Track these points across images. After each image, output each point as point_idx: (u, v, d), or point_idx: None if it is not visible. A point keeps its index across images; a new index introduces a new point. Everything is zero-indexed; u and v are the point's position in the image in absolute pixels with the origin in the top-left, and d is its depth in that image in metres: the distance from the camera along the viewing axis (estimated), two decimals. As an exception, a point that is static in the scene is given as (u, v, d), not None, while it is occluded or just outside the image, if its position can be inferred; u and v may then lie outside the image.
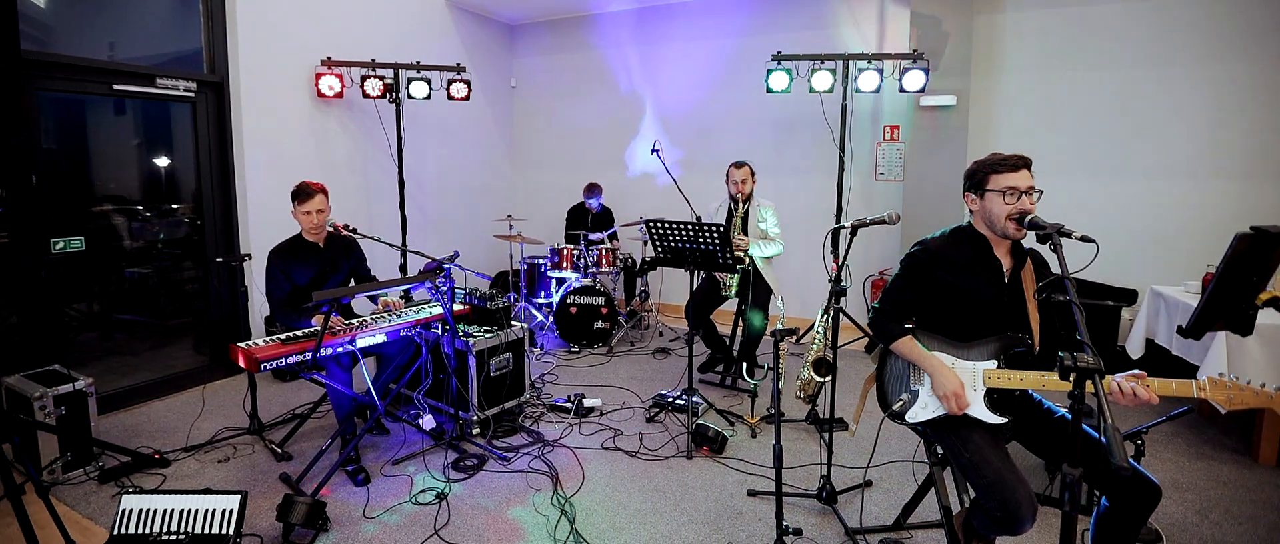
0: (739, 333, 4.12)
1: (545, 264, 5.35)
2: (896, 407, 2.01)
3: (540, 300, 5.46)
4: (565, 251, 5.16)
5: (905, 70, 4.45)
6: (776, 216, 4.11)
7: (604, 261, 5.16)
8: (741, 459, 3.19)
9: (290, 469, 3.02)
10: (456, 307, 3.50)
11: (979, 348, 1.93)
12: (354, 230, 3.38)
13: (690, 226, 3.27)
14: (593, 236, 5.24)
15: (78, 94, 3.74)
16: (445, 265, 3.12)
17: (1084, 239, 1.66)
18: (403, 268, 5.12)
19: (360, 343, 2.87)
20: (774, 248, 4.02)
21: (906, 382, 2.02)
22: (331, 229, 3.26)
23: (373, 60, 4.83)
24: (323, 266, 3.22)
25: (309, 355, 2.63)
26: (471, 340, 3.35)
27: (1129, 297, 4.48)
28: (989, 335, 1.92)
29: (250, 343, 2.73)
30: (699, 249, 3.31)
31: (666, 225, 3.33)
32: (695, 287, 3.48)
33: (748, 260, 3.92)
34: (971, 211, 2.00)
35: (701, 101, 5.96)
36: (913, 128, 4.84)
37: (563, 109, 6.71)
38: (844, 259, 2.58)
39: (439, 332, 3.18)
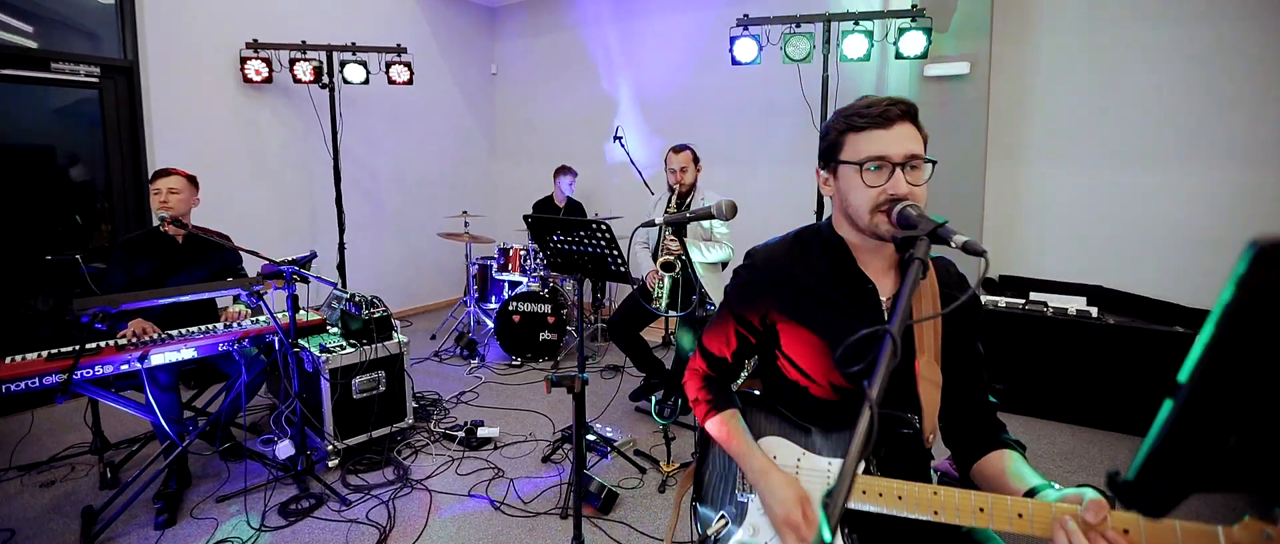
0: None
1: (494, 264, 4.80)
2: (712, 530, 1.27)
3: (491, 306, 4.92)
4: (513, 252, 4.59)
5: (902, 31, 3.57)
6: (725, 213, 3.36)
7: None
8: (628, 524, 2.50)
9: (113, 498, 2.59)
10: (310, 317, 2.99)
11: (837, 435, 1.17)
12: (224, 237, 2.94)
13: (574, 225, 2.60)
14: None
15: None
16: (287, 268, 2.61)
17: (969, 248, 0.89)
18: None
19: (159, 359, 2.39)
20: (719, 252, 3.28)
21: (730, 488, 1.28)
22: (196, 229, 2.82)
23: (303, 42, 4.43)
24: (169, 263, 2.79)
25: (67, 376, 2.16)
26: (324, 357, 2.82)
27: (1204, 321, 3.39)
28: (855, 411, 1.16)
29: (12, 358, 2.29)
30: (587, 252, 2.63)
31: (548, 223, 2.68)
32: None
33: (679, 266, 3.20)
34: (830, 199, 1.24)
35: (683, 85, 5.22)
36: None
37: (545, 96, 6.14)
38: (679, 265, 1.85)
39: (279, 345, 2.67)
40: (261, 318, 2.75)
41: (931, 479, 1.27)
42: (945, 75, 3.74)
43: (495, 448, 3.14)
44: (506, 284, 4.74)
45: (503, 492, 2.72)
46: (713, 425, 1.28)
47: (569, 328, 4.57)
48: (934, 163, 1.13)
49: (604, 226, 2.52)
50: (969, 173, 3.80)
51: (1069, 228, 3.81)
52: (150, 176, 2.75)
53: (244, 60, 4.32)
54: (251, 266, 2.80)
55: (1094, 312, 3.45)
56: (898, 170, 1.07)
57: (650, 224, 1.44)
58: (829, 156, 1.17)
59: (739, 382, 1.42)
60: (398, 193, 5.63)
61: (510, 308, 4.38)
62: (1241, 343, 0.48)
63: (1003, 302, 3.67)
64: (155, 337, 2.47)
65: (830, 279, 1.20)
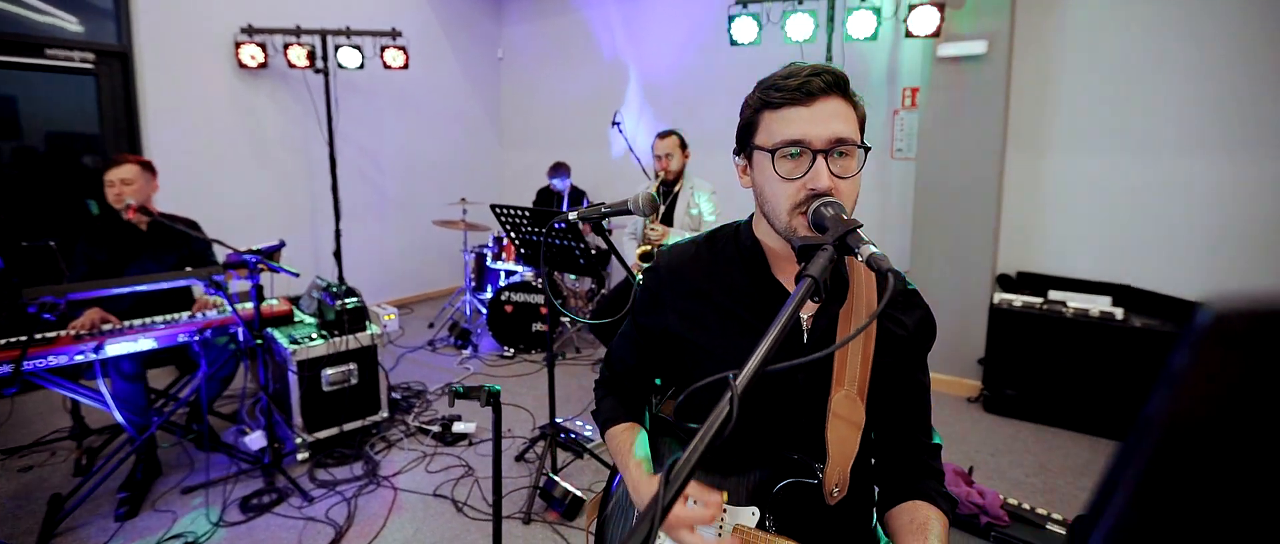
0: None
1: (489, 253, 4.70)
2: None
3: (487, 295, 4.83)
4: (507, 241, 4.48)
5: (912, 6, 3.31)
6: (715, 203, 3.18)
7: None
8: (593, 532, 2.37)
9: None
10: (278, 306, 2.93)
11: (737, 478, 0.99)
12: (191, 224, 2.89)
13: (538, 214, 2.47)
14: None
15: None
16: (250, 257, 2.55)
17: (875, 263, 0.72)
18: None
19: (116, 350, 2.35)
20: (705, 244, 3.10)
21: (628, 520, 1.12)
22: (160, 217, 2.77)
23: (297, 26, 4.37)
24: (130, 251, 2.75)
25: (16, 366, 2.13)
26: (292, 349, 2.76)
27: (1244, 325, 3.08)
28: (763, 449, 0.98)
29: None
30: (552, 244, 2.50)
31: (514, 213, 2.55)
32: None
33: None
34: (750, 190, 1.05)
35: (686, 69, 5.00)
36: (929, 88, 3.64)
37: (551, 81, 6.00)
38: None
39: (244, 335, 2.62)
40: (226, 308, 2.70)
41: (872, 539, 1.08)
42: (961, 56, 3.45)
43: (470, 444, 3.05)
44: (502, 273, 4.65)
45: (468, 492, 2.63)
46: (609, 439, 1.13)
47: (563, 319, 4.46)
48: (867, 149, 0.92)
49: (564, 218, 2.37)
50: (985, 163, 3.52)
51: (1095, 223, 3.50)
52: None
53: (239, 45, 4.28)
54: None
55: (1119, 313, 3.16)
56: (820, 158, 0.87)
57: (563, 219, 1.29)
58: (744, 139, 0.98)
59: (657, 405, 1.27)
60: (402, 179, 5.58)
61: (502, 298, 4.29)
62: (1193, 462, 0.24)
63: (1019, 300, 3.40)
64: (114, 326, 2.44)
65: (741, 290, 1.02)
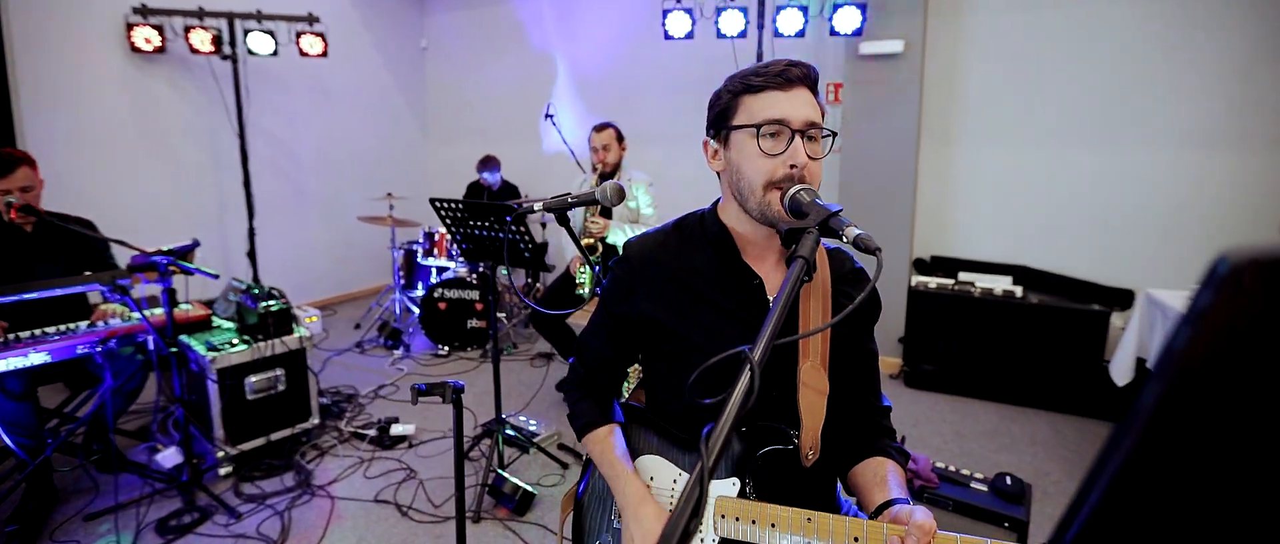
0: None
1: (419, 249, 4.54)
2: None
3: (418, 293, 4.67)
4: (439, 236, 4.35)
5: (836, 6, 3.47)
6: (652, 196, 3.23)
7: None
8: (543, 525, 2.37)
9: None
10: (192, 311, 2.72)
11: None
12: (86, 224, 2.61)
13: (481, 208, 2.42)
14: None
15: None
16: (160, 259, 2.35)
17: (861, 243, 0.78)
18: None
19: (3, 365, 2.11)
20: (646, 235, 3.15)
21: (607, 514, 1.14)
22: (49, 216, 2.48)
23: (200, 8, 4.04)
24: (13, 257, 2.46)
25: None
26: (211, 356, 2.57)
27: (1122, 299, 3.47)
28: (741, 422, 1.04)
29: None
30: (498, 240, 2.46)
31: (455, 206, 2.49)
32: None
33: (600, 250, 3.05)
34: (718, 176, 1.10)
35: (619, 61, 5.02)
36: (851, 83, 3.85)
37: (479, 72, 5.84)
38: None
39: (156, 343, 2.42)
40: (134, 315, 2.48)
41: (836, 499, 1.16)
42: (880, 53, 3.67)
43: (409, 446, 2.96)
44: (433, 269, 4.51)
45: (412, 495, 2.55)
46: (589, 443, 1.15)
47: (500, 315, 4.38)
48: (834, 135, 1.01)
49: (510, 212, 2.34)
50: (902, 153, 3.76)
51: (998, 209, 3.83)
52: None
53: (131, 26, 3.90)
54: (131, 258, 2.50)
55: (1019, 291, 3.47)
56: (798, 137, 0.95)
57: (528, 210, 1.28)
58: (720, 122, 1.03)
59: (626, 394, 1.30)
60: (320, 174, 5.28)
61: (435, 295, 4.16)
62: (1206, 412, 0.29)
63: (933, 282, 3.67)
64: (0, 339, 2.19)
65: (711, 274, 1.07)
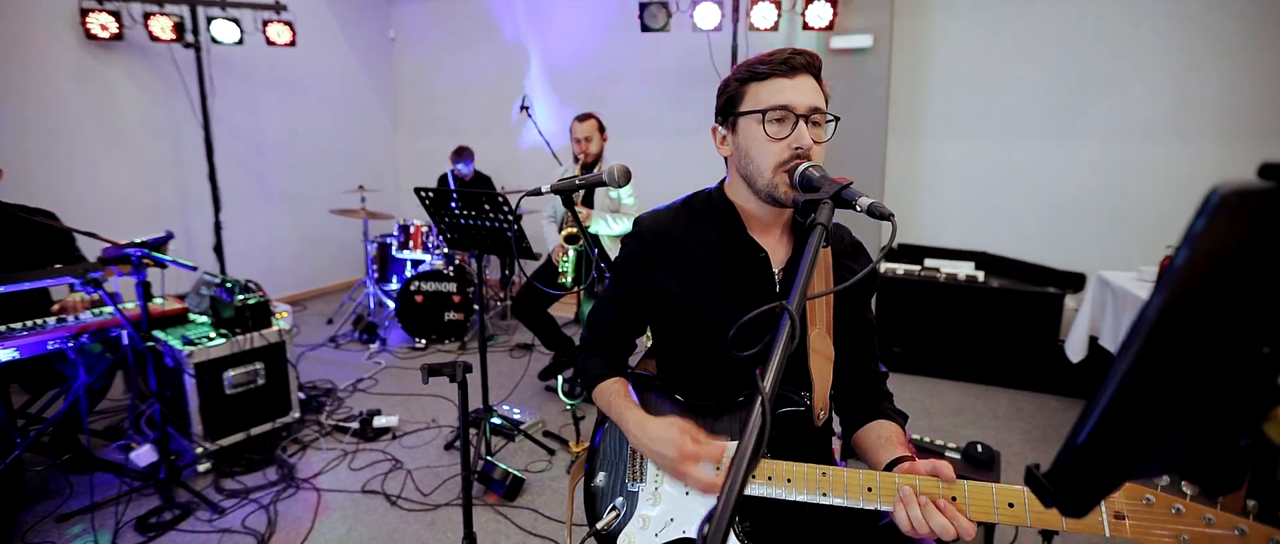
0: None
1: (394, 242, 4.49)
2: (603, 523, 1.17)
3: (392, 286, 4.63)
4: (414, 229, 4.31)
5: (809, 1, 3.58)
6: (632, 186, 3.27)
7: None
8: (535, 509, 2.41)
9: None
10: (167, 305, 2.66)
11: (730, 417, 1.11)
12: (48, 215, 2.52)
13: (473, 198, 2.43)
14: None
15: None
16: (134, 251, 2.28)
17: (875, 211, 0.85)
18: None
19: (-32, 362, 2.03)
20: (626, 224, 3.19)
21: (620, 477, 1.19)
22: (10, 208, 2.38)
23: (160, -7, 3.90)
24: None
25: None
26: (188, 351, 2.52)
27: (1075, 282, 3.68)
28: (746, 389, 1.11)
29: None
30: (485, 228, 2.47)
31: (443, 195, 2.49)
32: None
33: (582, 239, 3.09)
34: (725, 160, 1.16)
35: (593, 52, 5.04)
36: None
37: (449, 63, 5.77)
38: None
39: (130, 338, 2.35)
40: (105, 309, 2.41)
41: (833, 457, 1.24)
42: (850, 48, 3.79)
43: (393, 437, 2.95)
44: (408, 262, 4.47)
45: (400, 485, 2.55)
46: (597, 396, 1.20)
47: (476, 306, 4.36)
48: (837, 120, 1.08)
49: (503, 200, 2.36)
50: (871, 146, 3.90)
51: (960, 198, 4.01)
52: None
53: (85, 12, 3.75)
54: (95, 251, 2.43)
55: (980, 276, 3.65)
56: (802, 122, 1.02)
57: (536, 192, 1.32)
58: (728, 110, 1.10)
59: (634, 363, 1.35)
60: (287, 167, 5.15)
61: (412, 287, 4.13)
62: (1199, 315, 0.35)
63: (901, 269, 3.82)
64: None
65: (719, 248, 1.13)
